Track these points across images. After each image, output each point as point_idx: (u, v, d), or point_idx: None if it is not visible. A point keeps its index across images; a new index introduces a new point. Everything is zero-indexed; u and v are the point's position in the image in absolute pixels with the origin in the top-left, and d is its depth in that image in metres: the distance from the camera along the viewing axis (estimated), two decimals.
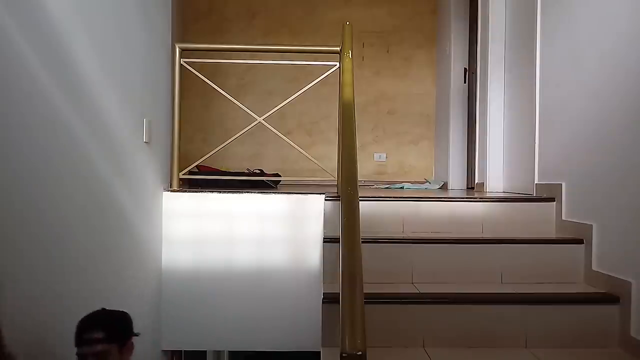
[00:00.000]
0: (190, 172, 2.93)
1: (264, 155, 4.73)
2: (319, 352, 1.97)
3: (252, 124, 2.90)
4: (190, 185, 3.03)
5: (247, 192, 2.73)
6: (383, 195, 2.73)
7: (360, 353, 1.07)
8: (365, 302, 1.24)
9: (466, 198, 2.61)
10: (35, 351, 1.47)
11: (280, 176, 3.52)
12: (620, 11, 2.04)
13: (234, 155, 4.46)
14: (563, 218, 2.39)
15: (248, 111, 2.90)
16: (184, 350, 3.10)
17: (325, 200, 2.57)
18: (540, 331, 1.91)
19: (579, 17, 2.37)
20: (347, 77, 2.48)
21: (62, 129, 1.60)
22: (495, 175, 3.39)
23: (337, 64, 2.81)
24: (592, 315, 1.93)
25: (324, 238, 2.39)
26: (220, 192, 2.70)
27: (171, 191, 2.70)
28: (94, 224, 1.85)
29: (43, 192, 1.50)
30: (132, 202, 2.22)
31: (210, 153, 2.90)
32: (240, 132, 2.91)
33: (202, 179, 3.05)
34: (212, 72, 3.86)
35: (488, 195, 3.13)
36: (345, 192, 1.69)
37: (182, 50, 2.79)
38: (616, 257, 2.02)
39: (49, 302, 1.55)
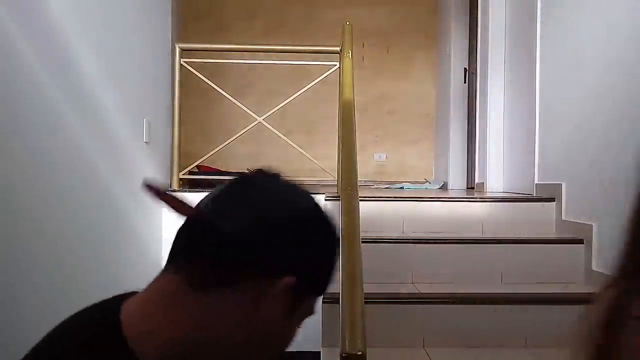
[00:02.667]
0: (191, 172, 2.93)
1: (264, 155, 4.73)
2: (319, 352, 1.97)
3: (252, 124, 2.90)
4: (190, 185, 3.03)
5: None
6: (383, 195, 2.73)
7: (360, 353, 1.08)
8: (365, 302, 1.24)
9: (466, 198, 2.61)
10: None
11: None
12: (621, 12, 2.04)
13: (234, 155, 4.46)
14: (563, 218, 2.39)
15: (248, 111, 2.90)
16: None
17: (325, 200, 2.56)
18: (540, 331, 1.91)
19: (579, 17, 2.37)
20: (347, 77, 2.48)
21: (61, 129, 1.60)
22: (495, 175, 3.39)
23: (337, 64, 2.81)
24: None
25: None
26: None
27: (171, 191, 2.70)
28: (94, 223, 1.85)
29: (42, 192, 1.50)
30: (132, 202, 2.22)
31: (210, 153, 2.90)
32: (240, 132, 2.91)
33: (202, 179, 3.05)
34: (212, 72, 3.86)
35: (488, 195, 3.13)
36: (345, 192, 1.69)
37: (182, 50, 2.79)
38: (616, 257, 2.02)
39: (48, 302, 1.55)
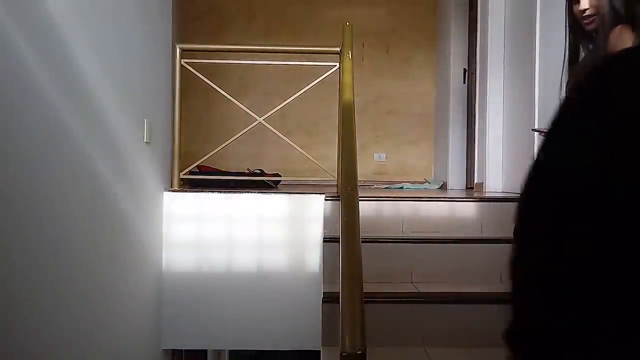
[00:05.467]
0: (191, 172, 2.94)
1: (264, 155, 4.73)
2: (319, 351, 1.98)
3: (252, 124, 2.91)
4: (190, 185, 3.04)
5: (248, 192, 2.74)
6: (383, 195, 2.74)
7: (360, 352, 1.08)
8: (365, 302, 1.25)
9: (465, 198, 2.62)
10: (36, 350, 1.48)
11: (280, 176, 3.53)
12: None
13: (234, 155, 4.47)
14: None
15: (248, 111, 2.91)
16: (184, 350, 3.11)
17: (325, 200, 2.57)
18: None
19: None
20: (347, 77, 2.49)
21: (62, 130, 1.61)
22: (495, 175, 3.40)
23: (337, 64, 2.81)
24: None
25: (324, 238, 2.40)
26: (220, 192, 2.71)
27: (172, 191, 2.71)
28: (95, 223, 1.86)
29: (43, 193, 1.51)
30: (132, 201, 2.23)
31: (211, 153, 2.90)
32: (241, 133, 2.91)
33: (202, 179, 3.05)
34: (213, 72, 3.87)
35: (487, 195, 3.14)
36: (345, 192, 1.70)
37: (183, 50, 2.80)
38: None
39: (48, 302, 1.55)
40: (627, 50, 0.68)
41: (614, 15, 1.27)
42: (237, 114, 3.33)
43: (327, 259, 2.27)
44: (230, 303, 2.65)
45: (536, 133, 2.72)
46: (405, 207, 2.53)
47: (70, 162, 1.66)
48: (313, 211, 2.63)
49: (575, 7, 1.54)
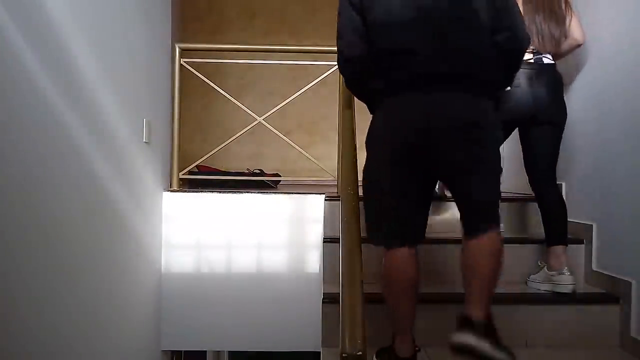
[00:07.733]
0: (190, 172, 2.93)
1: (264, 155, 4.72)
2: (319, 352, 1.97)
3: (252, 124, 2.90)
4: (190, 185, 3.03)
5: (247, 192, 2.73)
6: None
7: (360, 353, 1.07)
8: (366, 303, 1.24)
9: None
10: (34, 350, 1.47)
11: (280, 176, 3.52)
12: (622, 13, 2.04)
13: (234, 155, 4.46)
14: None
15: (248, 111, 2.90)
16: (184, 351, 3.10)
17: (325, 200, 2.56)
18: (540, 331, 1.91)
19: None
20: None
21: (60, 130, 1.60)
22: None
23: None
24: (592, 315, 1.93)
25: (324, 238, 2.39)
26: (220, 192, 2.70)
27: (171, 191, 2.70)
28: (94, 223, 1.85)
29: (41, 193, 1.50)
30: (132, 202, 2.22)
31: (210, 153, 2.90)
32: (240, 132, 2.90)
33: (202, 179, 3.05)
34: (212, 72, 3.85)
35: None
36: (345, 192, 1.69)
37: (182, 50, 2.79)
38: (616, 257, 2.02)
39: (46, 303, 1.54)
40: None
41: None
42: (236, 114, 3.32)
43: (327, 259, 2.26)
44: (229, 304, 2.64)
45: None
46: None
47: (69, 162, 1.65)
48: (313, 211, 2.62)
49: None
